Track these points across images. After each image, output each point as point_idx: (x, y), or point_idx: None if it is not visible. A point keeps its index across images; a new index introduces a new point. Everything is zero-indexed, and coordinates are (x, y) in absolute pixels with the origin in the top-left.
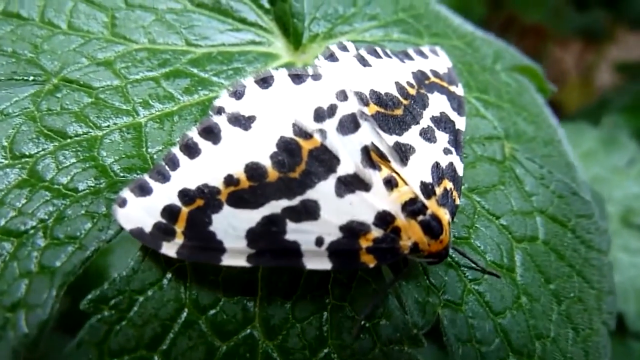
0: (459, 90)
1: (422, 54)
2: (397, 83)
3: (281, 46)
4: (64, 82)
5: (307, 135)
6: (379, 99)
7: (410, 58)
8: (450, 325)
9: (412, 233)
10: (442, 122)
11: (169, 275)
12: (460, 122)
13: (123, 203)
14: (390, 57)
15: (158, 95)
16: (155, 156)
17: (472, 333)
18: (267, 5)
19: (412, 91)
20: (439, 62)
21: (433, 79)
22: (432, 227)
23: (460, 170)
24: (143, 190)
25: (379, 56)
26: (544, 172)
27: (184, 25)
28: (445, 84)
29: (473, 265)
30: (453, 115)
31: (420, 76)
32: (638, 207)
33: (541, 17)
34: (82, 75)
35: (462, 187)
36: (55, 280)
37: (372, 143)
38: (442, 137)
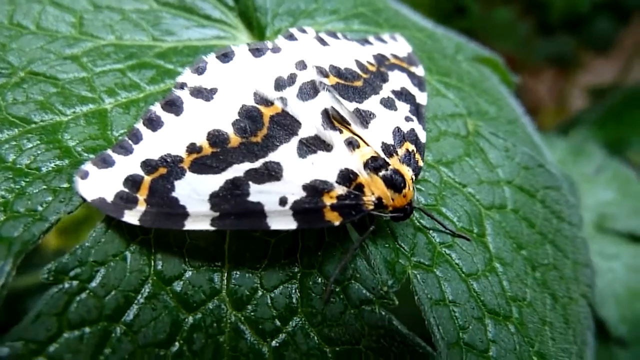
0: (419, 70)
1: (381, 40)
2: (356, 61)
3: (245, 40)
4: (31, 74)
5: (268, 103)
6: (339, 72)
7: (370, 43)
8: (421, 286)
9: (375, 188)
10: (403, 94)
11: (132, 247)
12: (421, 97)
13: (85, 175)
14: (350, 41)
15: (124, 84)
16: (119, 138)
17: (444, 294)
18: (230, 3)
19: (372, 68)
20: (399, 46)
21: (393, 60)
22: (395, 181)
23: (422, 137)
24: (105, 162)
25: (338, 38)
26: (509, 144)
27: (150, 23)
28: (405, 65)
29: (442, 228)
30: (414, 90)
31: (380, 58)
32: (610, 213)
33: (512, 47)
34: (48, 69)
35: (428, 158)
36: (12, 248)
37: (332, 107)
38: (403, 107)
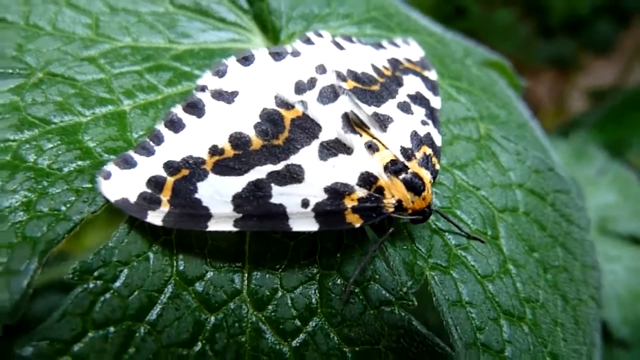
0: (432, 74)
1: (395, 44)
2: (372, 65)
3: (260, 43)
4: (49, 75)
5: (289, 106)
6: (356, 76)
7: (384, 47)
8: (439, 287)
9: (395, 191)
10: (418, 98)
11: (155, 248)
12: (435, 101)
13: (107, 176)
14: (365, 45)
15: (142, 86)
16: (139, 139)
17: (460, 295)
18: (245, 6)
19: (388, 72)
20: (411, 50)
21: (407, 64)
22: (415, 184)
23: (438, 141)
24: (127, 163)
25: (353, 42)
26: (519, 148)
27: (166, 25)
28: (418, 69)
29: (457, 230)
30: (428, 94)
31: (394, 62)
32: (612, 215)
33: (512, 49)
34: (66, 70)
35: (442, 162)
36: (37, 247)
37: (352, 111)
38: (419, 111)
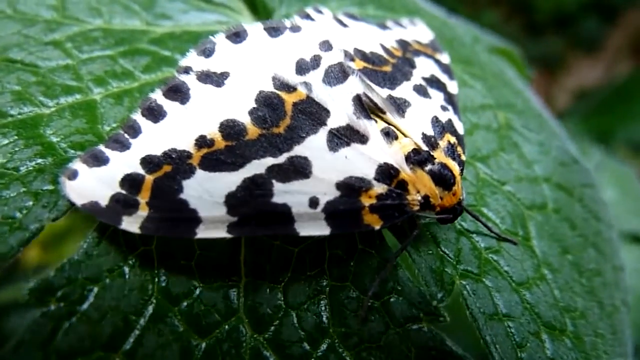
0: (444, 58)
1: (400, 25)
2: (381, 44)
3: None
4: (6, 62)
5: (290, 88)
6: (364, 56)
7: (389, 28)
8: (472, 299)
9: (421, 185)
10: (434, 82)
11: (131, 261)
12: (452, 86)
13: (73, 175)
14: (369, 24)
15: (115, 72)
16: (112, 132)
17: (497, 306)
18: None
19: (398, 53)
20: (419, 32)
21: (416, 46)
22: (444, 176)
23: (460, 129)
24: (97, 159)
25: (357, 20)
26: (542, 139)
27: (142, 6)
28: (430, 51)
29: (487, 231)
30: (443, 78)
31: (403, 43)
32: (616, 213)
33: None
34: (26, 55)
35: None
36: None
37: (365, 93)
38: (437, 95)
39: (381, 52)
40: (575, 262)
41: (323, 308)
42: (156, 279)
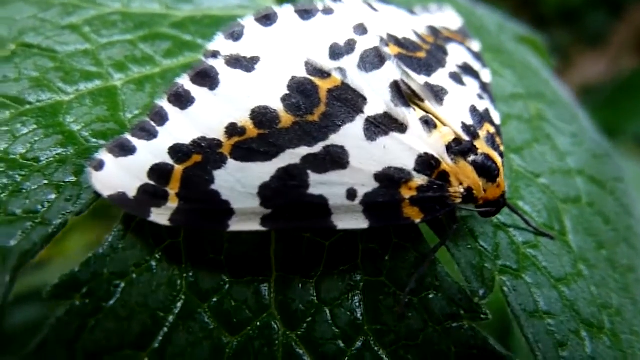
0: (475, 45)
1: (428, 11)
2: (413, 30)
3: None
4: (23, 47)
5: (324, 74)
6: (398, 41)
7: (417, 15)
8: (513, 295)
9: (463, 177)
10: (468, 70)
11: (159, 255)
12: (485, 74)
13: (100, 166)
14: (398, 8)
15: (135, 57)
16: (134, 120)
17: (537, 303)
18: None
19: (430, 39)
20: (449, 18)
21: (446, 33)
22: (488, 167)
23: (497, 119)
24: (124, 149)
25: (387, 4)
26: (574, 130)
27: None
28: (460, 38)
29: (524, 225)
30: (476, 66)
31: (433, 30)
32: None
33: None
34: (43, 40)
35: None
36: (8, 262)
37: (402, 80)
38: (472, 83)
39: (414, 37)
40: (610, 258)
41: (357, 304)
42: (184, 274)
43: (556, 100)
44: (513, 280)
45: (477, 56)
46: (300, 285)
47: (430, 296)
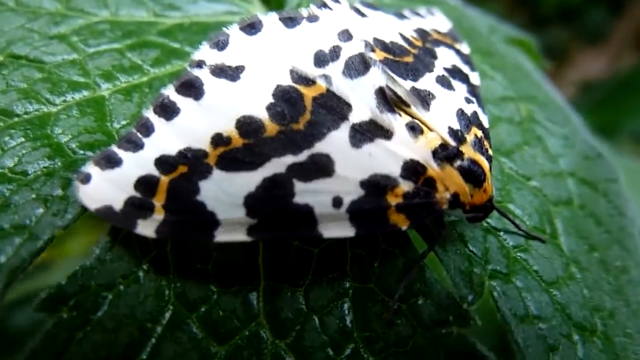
0: (464, 48)
1: (418, 14)
2: (401, 34)
3: None
4: (11, 58)
5: (309, 82)
6: (385, 46)
7: (407, 17)
8: (503, 300)
9: (449, 182)
10: (456, 73)
11: (146, 265)
12: (474, 77)
13: (86, 179)
14: (387, 13)
15: (123, 66)
16: (122, 130)
17: (527, 307)
18: None
19: (418, 43)
20: (438, 21)
21: (436, 36)
22: (474, 172)
23: (485, 122)
24: (111, 161)
25: (375, 9)
26: (566, 132)
27: None
28: (449, 41)
29: (515, 229)
30: (465, 69)
31: (422, 33)
32: None
33: None
34: (31, 50)
35: None
36: None
37: (387, 86)
38: (460, 87)
39: (401, 42)
40: (602, 260)
41: (346, 311)
42: (172, 284)
43: (547, 102)
44: (503, 285)
45: (467, 59)
46: (288, 294)
47: (419, 302)
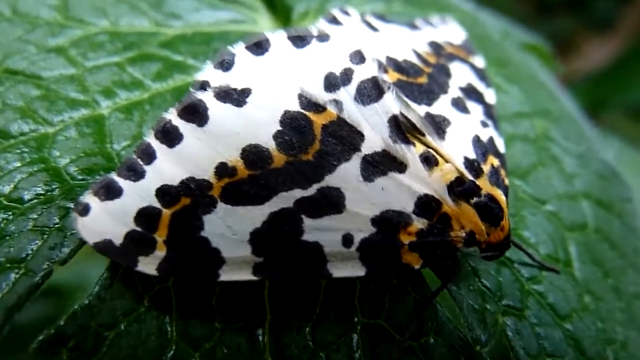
0: (479, 61)
1: (430, 24)
2: (414, 51)
3: (267, 24)
4: (7, 73)
5: (319, 108)
6: (398, 65)
7: (418, 28)
8: (516, 337)
9: (465, 220)
10: (471, 92)
11: (147, 302)
12: (489, 95)
13: (85, 210)
14: (399, 25)
15: (123, 82)
16: (122, 153)
17: (541, 345)
18: None
19: (432, 59)
20: (451, 32)
21: (450, 49)
22: (492, 210)
23: (501, 147)
24: (110, 191)
25: (387, 22)
26: (582, 150)
27: (151, 4)
28: (463, 54)
29: (528, 260)
30: (480, 86)
31: (435, 46)
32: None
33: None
34: (28, 65)
35: None
36: None
37: (402, 113)
38: (476, 109)
39: (415, 59)
40: (616, 287)
41: (354, 348)
42: (175, 322)
43: (562, 115)
44: (517, 322)
45: (481, 74)
46: (295, 329)
47: (431, 342)
